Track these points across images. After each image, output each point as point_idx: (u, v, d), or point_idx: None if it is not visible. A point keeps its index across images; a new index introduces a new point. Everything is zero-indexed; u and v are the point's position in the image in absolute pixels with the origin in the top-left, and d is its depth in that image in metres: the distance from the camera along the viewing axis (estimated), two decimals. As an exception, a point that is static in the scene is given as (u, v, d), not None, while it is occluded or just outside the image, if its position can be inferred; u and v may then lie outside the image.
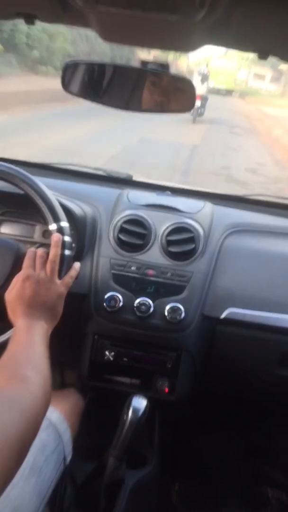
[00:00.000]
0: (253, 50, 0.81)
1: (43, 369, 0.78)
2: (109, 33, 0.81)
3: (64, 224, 1.03)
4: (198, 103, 12.45)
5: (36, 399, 0.69)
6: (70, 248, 1.02)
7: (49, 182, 1.11)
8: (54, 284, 0.95)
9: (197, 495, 1.56)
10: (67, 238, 1.02)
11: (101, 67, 0.99)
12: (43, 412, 0.71)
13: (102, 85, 0.97)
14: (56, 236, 0.99)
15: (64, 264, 0.99)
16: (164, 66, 0.91)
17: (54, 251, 0.97)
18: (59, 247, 0.98)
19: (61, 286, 0.96)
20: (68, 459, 1.07)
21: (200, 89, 13.47)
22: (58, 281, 0.96)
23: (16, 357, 0.80)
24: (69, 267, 1.01)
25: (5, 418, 0.61)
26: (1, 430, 0.58)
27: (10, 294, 0.93)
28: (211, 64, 22.92)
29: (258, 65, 36.82)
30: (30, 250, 0.99)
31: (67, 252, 1.01)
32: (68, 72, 0.99)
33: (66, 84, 1.00)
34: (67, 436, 1.08)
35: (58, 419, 1.08)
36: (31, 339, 0.84)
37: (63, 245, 0.99)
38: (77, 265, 1.04)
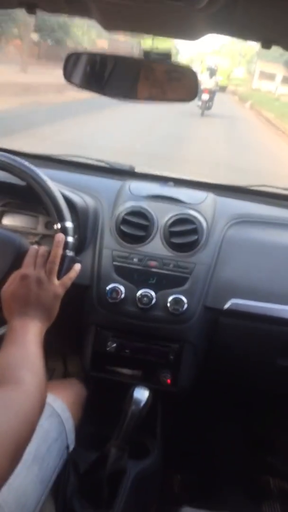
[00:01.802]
0: (256, 38, 0.81)
1: (38, 370, 0.78)
2: (111, 22, 0.80)
3: (69, 224, 1.03)
4: (206, 96, 13.04)
5: (31, 400, 0.70)
6: (72, 249, 1.02)
7: (51, 173, 1.11)
8: (51, 285, 0.94)
9: (199, 485, 1.57)
10: (70, 239, 1.02)
11: (103, 57, 0.99)
12: (38, 412, 0.72)
13: (104, 75, 0.97)
14: (59, 236, 0.99)
15: (64, 265, 0.99)
16: (167, 55, 0.90)
17: (55, 251, 0.97)
18: (60, 247, 0.98)
19: (58, 287, 0.96)
20: (71, 447, 1.08)
21: (208, 83, 14.00)
22: (56, 282, 0.96)
23: (10, 358, 0.80)
24: (69, 268, 1.01)
25: (1, 419, 0.62)
26: None
27: (7, 291, 0.93)
28: (205, 61, 22.90)
29: (265, 61, 28.92)
30: (32, 248, 0.99)
31: (68, 253, 1.00)
32: (70, 63, 0.99)
33: (68, 75, 1.00)
34: (69, 425, 1.09)
35: (61, 407, 1.09)
36: (26, 338, 0.84)
37: (65, 245, 1.00)
38: (77, 266, 1.03)
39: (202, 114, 13.18)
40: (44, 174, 1.05)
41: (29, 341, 0.84)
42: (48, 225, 1.25)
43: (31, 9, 0.80)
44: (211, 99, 13.53)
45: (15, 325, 0.87)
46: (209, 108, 13.55)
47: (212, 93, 13.48)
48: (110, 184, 1.41)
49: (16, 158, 1.05)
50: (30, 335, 0.85)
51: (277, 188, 1.57)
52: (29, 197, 1.08)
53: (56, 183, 1.08)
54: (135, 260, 1.20)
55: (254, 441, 1.71)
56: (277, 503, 1.54)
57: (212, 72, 15.26)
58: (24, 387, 0.72)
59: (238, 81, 32.26)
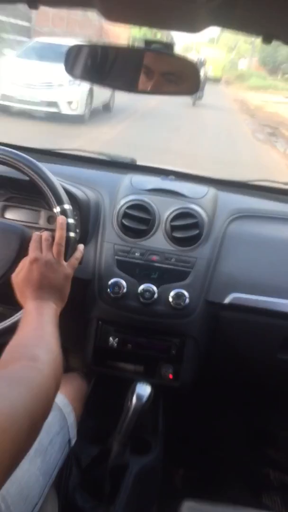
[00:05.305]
0: (257, 33, 0.80)
1: (53, 348, 0.78)
2: (113, 13, 0.79)
3: (68, 206, 1.04)
4: (196, 87, 13.34)
5: (45, 377, 0.69)
6: (75, 231, 1.03)
7: (52, 167, 1.11)
8: (61, 266, 0.96)
9: (201, 480, 1.57)
10: (71, 220, 1.02)
11: (104, 49, 0.98)
12: (53, 389, 0.72)
13: (105, 67, 0.96)
14: (61, 219, 0.99)
15: (69, 246, 1.00)
16: (169, 47, 0.89)
17: (59, 233, 0.98)
18: (64, 229, 0.99)
19: (67, 267, 0.97)
20: (73, 441, 1.09)
21: (197, 74, 14.25)
22: (64, 263, 0.97)
23: (25, 338, 0.80)
24: (74, 249, 1.02)
25: (13, 395, 0.61)
26: (10, 406, 0.58)
27: (18, 277, 0.94)
28: (200, 52, 22.83)
29: None
30: (36, 234, 1.00)
31: (71, 234, 1.01)
32: (71, 56, 0.98)
33: (69, 68, 0.99)
34: (71, 419, 1.09)
35: (63, 401, 1.09)
36: (41, 319, 0.85)
37: (68, 227, 1.00)
38: (81, 246, 1.05)
39: (194, 104, 13.51)
40: (45, 168, 1.05)
41: (45, 321, 0.85)
42: (50, 219, 1.25)
43: (32, 3, 0.79)
44: (201, 89, 13.88)
45: (30, 308, 0.88)
46: (200, 98, 13.77)
47: (202, 83, 13.84)
48: (111, 177, 1.40)
49: (12, 150, 1.05)
50: (45, 316, 0.86)
51: (278, 182, 1.56)
52: (31, 191, 1.09)
53: (57, 177, 1.07)
54: (137, 254, 1.20)
55: (255, 434, 1.72)
56: (278, 496, 1.55)
57: (201, 64, 15.80)
58: (37, 364, 0.71)
59: (255, 78, 26.63)
